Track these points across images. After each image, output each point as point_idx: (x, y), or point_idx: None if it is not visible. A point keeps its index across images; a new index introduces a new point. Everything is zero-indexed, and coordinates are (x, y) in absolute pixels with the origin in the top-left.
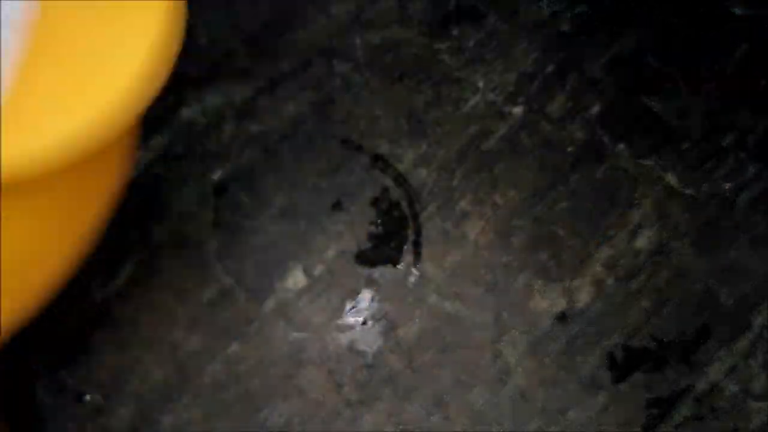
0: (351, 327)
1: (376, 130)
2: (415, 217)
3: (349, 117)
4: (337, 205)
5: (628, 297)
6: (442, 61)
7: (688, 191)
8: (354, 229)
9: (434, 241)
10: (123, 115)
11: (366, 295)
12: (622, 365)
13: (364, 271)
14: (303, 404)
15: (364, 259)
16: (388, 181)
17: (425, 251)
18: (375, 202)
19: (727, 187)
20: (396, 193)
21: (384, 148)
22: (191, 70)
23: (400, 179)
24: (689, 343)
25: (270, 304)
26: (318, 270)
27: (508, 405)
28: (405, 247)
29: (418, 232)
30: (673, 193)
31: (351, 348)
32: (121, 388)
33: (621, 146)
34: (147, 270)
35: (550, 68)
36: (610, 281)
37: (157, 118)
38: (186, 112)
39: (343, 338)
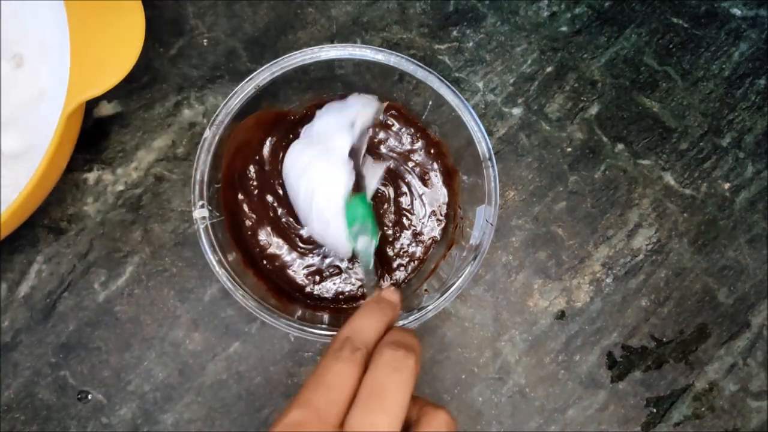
0: None
1: None
2: None
3: None
4: None
5: (627, 296)
6: (442, 62)
7: (686, 191)
8: None
9: None
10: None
11: None
12: (622, 364)
13: None
14: None
15: None
16: None
17: None
18: None
19: (725, 187)
20: None
21: None
22: (193, 71)
23: None
24: (688, 342)
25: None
26: None
27: (507, 404)
28: None
29: None
30: (672, 193)
31: None
32: (123, 387)
33: (620, 146)
34: (148, 270)
35: (549, 69)
36: (609, 280)
37: (160, 118)
38: (188, 113)
39: None
